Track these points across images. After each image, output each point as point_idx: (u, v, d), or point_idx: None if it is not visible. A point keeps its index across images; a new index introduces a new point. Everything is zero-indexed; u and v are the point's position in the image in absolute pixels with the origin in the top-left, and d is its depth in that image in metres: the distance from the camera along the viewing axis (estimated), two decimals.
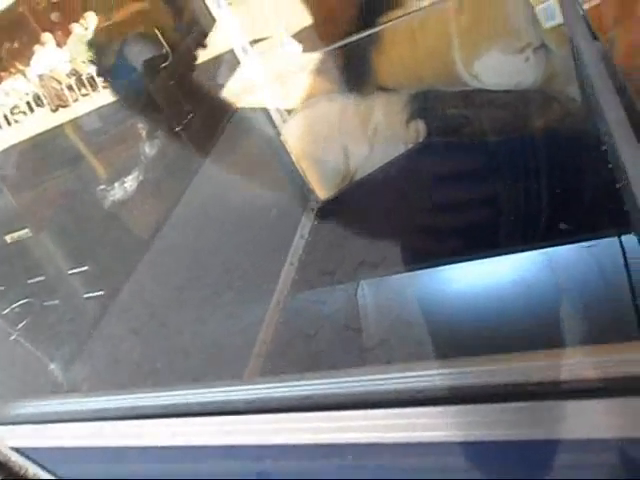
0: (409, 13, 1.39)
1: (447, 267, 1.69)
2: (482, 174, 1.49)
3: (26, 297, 3.84)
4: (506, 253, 1.56)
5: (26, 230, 4.21)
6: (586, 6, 0.99)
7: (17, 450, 0.98)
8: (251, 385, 0.94)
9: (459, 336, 1.61)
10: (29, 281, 3.99)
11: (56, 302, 3.80)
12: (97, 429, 0.90)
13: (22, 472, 0.98)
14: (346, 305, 2.03)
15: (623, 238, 1.42)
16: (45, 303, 3.83)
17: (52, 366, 3.28)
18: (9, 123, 6.22)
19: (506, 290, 1.61)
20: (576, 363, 0.77)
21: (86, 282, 3.77)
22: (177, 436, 0.91)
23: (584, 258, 1.49)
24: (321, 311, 2.07)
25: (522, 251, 1.55)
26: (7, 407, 1.02)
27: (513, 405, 0.75)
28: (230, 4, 1.89)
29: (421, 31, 1.40)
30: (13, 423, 0.99)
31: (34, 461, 0.97)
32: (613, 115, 0.75)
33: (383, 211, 1.62)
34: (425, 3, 1.39)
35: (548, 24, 1.26)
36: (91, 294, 3.65)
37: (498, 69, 1.32)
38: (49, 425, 0.93)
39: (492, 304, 1.57)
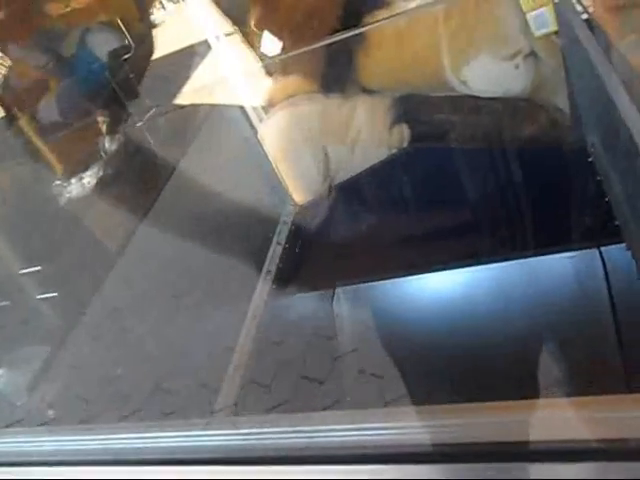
0: (397, 14, 1.34)
1: (426, 275, 1.65)
2: (466, 182, 1.46)
3: None
4: (487, 262, 1.55)
5: None
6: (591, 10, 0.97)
7: None
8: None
9: (429, 352, 1.58)
10: None
11: (7, 303, 3.60)
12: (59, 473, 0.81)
13: None
14: (321, 313, 1.98)
15: (604, 250, 1.42)
16: None
17: (0, 372, 3.10)
18: None
19: (484, 301, 1.59)
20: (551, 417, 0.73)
21: (39, 282, 3.58)
22: None
23: (566, 269, 1.49)
24: (295, 319, 2.01)
25: (503, 260, 1.54)
26: None
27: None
28: None
29: (409, 33, 1.36)
30: None
31: None
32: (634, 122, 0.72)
33: (363, 217, 1.57)
34: (413, 5, 1.34)
35: (539, 32, 1.23)
36: (45, 295, 3.47)
37: (487, 75, 1.29)
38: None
39: (468, 316, 1.55)
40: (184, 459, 0.80)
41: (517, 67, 1.26)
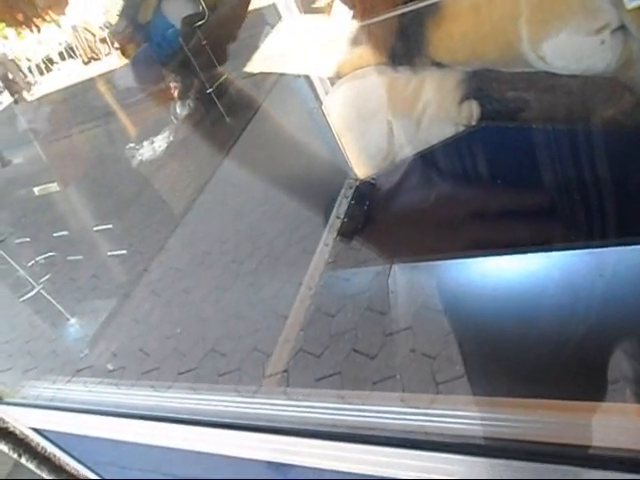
0: None
1: (488, 259, 1.60)
2: (538, 165, 1.39)
3: (50, 251, 3.87)
4: (557, 249, 1.48)
5: (54, 184, 4.22)
6: None
7: (37, 431, 0.96)
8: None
9: (486, 338, 1.54)
10: (54, 234, 4.02)
11: (80, 257, 3.83)
12: (117, 424, 0.86)
13: (40, 450, 0.96)
14: (375, 288, 1.98)
15: None
16: (69, 258, 3.86)
17: (73, 321, 3.32)
18: (41, 73, 6.18)
19: (551, 289, 1.52)
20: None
21: (110, 239, 3.78)
22: (196, 442, 0.87)
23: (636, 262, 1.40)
24: (350, 292, 2.02)
25: (575, 248, 1.46)
26: (27, 388, 1.00)
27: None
28: None
29: (487, 5, 1.28)
30: (33, 406, 0.96)
31: (53, 443, 0.95)
32: None
33: (426, 195, 1.53)
34: None
35: (632, 4, 1.13)
36: (114, 252, 3.67)
37: (569, 51, 1.20)
38: (69, 413, 0.90)
39: (532, 305, 1.49)
40: (233, 423, 0.83)
41: (603, 43, 1.17)
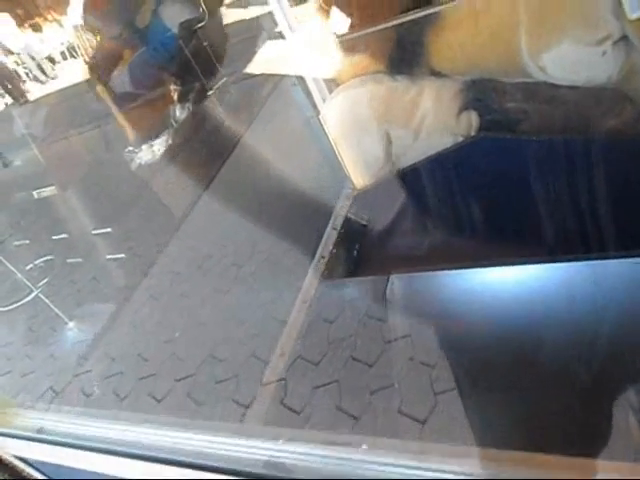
0: None
1: (487, 270, 1.59)
2: (537, 175, 1.37)
3: (49, 254, 3.86)
4: (555, 261, 1.46)
5: (52, 187, 4.21)
6: None
7: (21, 459, 0.94)
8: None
9: (484, 349, 1.52)
10: (53, 237, 4.01)
11: (79, 260, 3.81)
12: (104, 461, 0.84)
13: (25, 475, 0.94)
14: (374, 297, 1.95)
15: None
16: (68, 260, 3.85)
17: (71, 325, 3.31)
18: (44, 73, 6.17)
19: (549, 302, 1.50)
20: None
21: (109, 243, 3.77)
22: None
23: (634, 275, 1.37)
24: (348, 299, 2.00)
25: (573, 260, 1.44)
26: (13, 416, 0.98)
27: None
28: None
29: (486, 13, 1.26)
30: (19, 437, 0.94)
31: (38, 470, 0.93)
32: None
33: (423, 205, 1.51)
34: None
35: (634, 15, 1.11)
36: (113, 255, 3.65)
37: (569, 62, 1.18)
38: (56, 447, 0.88)
39: (529, 317, 1.47)
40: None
41: (604, 54, 1.15)
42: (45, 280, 3.65)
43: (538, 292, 1.51)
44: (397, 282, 1.71)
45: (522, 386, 1.42)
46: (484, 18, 1.29)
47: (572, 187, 1.35)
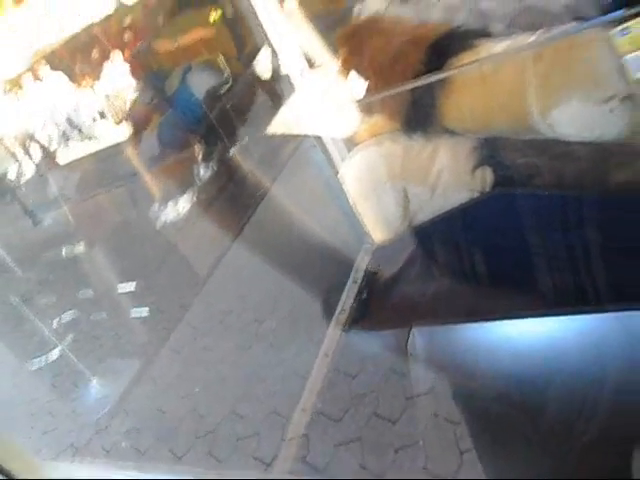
0: (482, 59, 1.32)
1: (507, 322, 1.59)
2: (551, 229, 1.39)
3: (75, 309, 3.94)
4: (569, 314, 1.45)
5: (80, 244, 4.34)
6: None
7: None
8: None
9: (508, 403, 1.50)
10: (78, 294, 4.10)
11: (104, 316, 3.88)
12: None
13: None
14: (396, 351, 1.95)
15: None
16: (92, 317, 3.92)
17: (95, 381, 3.33)
18: (80, 135, 6.48)
19: (571, 354, 1.49)
20: None
21: (133, 300, 3.84)
22: None
23: None
24: (370, 354, 2.00)
25: (587, 313, 1.44)
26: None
27: None
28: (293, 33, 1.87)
29: (494, 77, 1.33)
30: None
31: None
32: None
33: (442, 260, 1.54)
34: (500, 48, 1.32)
35: (638, 75, 1.16)
36: (137, 313, 3.71)
37: (578, 119, 1.23)
38: None
39: (553, 369, 1.46)
40: None
41: (611, 111, 1.20)
42: (70, 336, 3.71)
43: (561, 343, 1.50)
44: (418, 335, 1.71)
45: (548, 441, 1.39)
46: (492, 81, 1.35)
47: (585, 241, 1.36)
